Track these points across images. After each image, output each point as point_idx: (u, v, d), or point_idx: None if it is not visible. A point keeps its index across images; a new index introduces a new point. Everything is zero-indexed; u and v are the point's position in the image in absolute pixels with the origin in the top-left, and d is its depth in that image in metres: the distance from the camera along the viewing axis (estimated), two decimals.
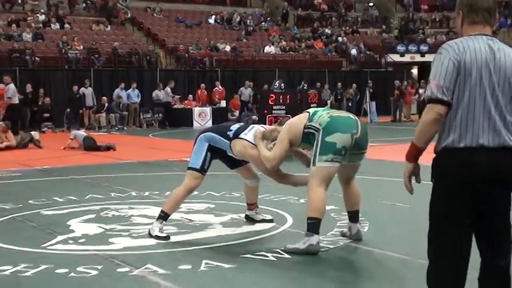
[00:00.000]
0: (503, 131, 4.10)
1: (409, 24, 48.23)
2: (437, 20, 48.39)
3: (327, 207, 8.87)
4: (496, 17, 4.34)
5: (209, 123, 31.95)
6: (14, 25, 33.74)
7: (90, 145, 20.17)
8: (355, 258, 7.36)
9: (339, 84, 35.92)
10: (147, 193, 11.71)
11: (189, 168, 8.50)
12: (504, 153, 4.12)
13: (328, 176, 7.43)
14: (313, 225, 7.31)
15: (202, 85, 33.29)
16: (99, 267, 6.92)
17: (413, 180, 4.31)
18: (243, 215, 9.27)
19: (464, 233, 4.21)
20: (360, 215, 7.89)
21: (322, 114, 7.53)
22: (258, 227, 8.81)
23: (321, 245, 7.37)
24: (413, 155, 4.23)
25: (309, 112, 7.74)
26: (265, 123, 17.76)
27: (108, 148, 20.12)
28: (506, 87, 4.14)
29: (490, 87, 4.09)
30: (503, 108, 4.13)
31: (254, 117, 28.07)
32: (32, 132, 22.27)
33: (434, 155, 4.27)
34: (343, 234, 8.02)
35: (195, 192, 11.47)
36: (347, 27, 46.20)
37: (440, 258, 4.22)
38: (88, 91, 30.33)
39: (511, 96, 4.16)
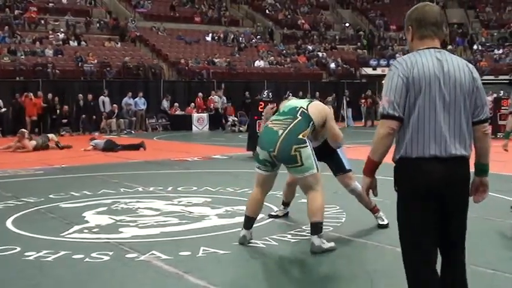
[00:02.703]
0: (453, 141, 3.85)
1: (375, 38, 48.37)
2: (404, 38, 48.31)
3: None
4: (443, 30, 4.13)
5: (206, 128, 32.03)
6: (37, 42, 33.66)
7: (108, 146, 20.22)
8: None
9: (317, 93, 35.70)
10: (152, 188, 11.68)
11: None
12: (455, 162, 3.88)
13: (257, 180, 7.28)
14: (244, 221, 7.32)
15: (200, 94, 33.31)
16: (110, 253, 6.93)
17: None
18: (236, 208, 9.26)
19: (432, 234, 3.98)
20: (318, 228, 6.91)
21: (271, 120, 7.36)
22: None
23: (248, 239, 7.24)
24: (370, 169, 3.99)
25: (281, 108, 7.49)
26: (255, 128, 17.81)
27: (139, 147, 20.29)
28: (458, 96, 3.88)
29: (441, 99, 3.84)
30: (456, 117, 3.88)
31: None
32: (49, 135, 22.17)
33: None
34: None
35: (194, 188, 11.52)
36: (326, 44, 46.19)
37: (416, 259, 3.96)
38: (107, 99, 30.42)
39: (464, 104, 3.90)
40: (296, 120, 7.03)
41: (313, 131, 7.22)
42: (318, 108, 7.31)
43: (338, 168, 8.08)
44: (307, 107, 7.22)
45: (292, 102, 7.55)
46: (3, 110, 27.78)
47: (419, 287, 3.95)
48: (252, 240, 7.37)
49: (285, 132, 6.93)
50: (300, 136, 6.93)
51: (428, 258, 3.94)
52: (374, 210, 8.11)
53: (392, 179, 4.08)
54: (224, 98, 33.72)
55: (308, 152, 6.94)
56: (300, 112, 7.13)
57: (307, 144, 6.98)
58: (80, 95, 29.80)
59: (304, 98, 7.80)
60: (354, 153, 16.76)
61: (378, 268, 6.27)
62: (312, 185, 7.00)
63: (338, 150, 8.05)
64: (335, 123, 7.54)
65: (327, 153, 7.97)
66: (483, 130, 4.04)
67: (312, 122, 7.11)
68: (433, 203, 3.89)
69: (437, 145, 3.82)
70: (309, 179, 6.99)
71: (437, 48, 3.99)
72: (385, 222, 7.93)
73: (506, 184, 11.87)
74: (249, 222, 7.28)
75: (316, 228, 6.93)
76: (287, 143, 6.87)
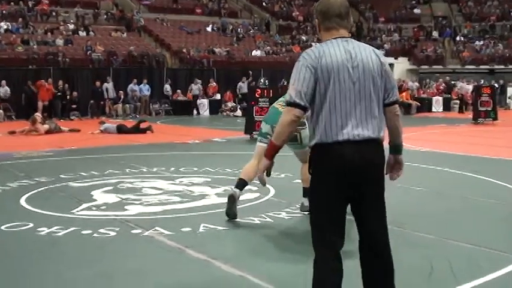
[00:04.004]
0: (365, 125, 3.77)
1: (364, 30, 48.31)
2: (392, 29, 48.31)
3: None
4: (349, 20, 3.97)
5: (206, 113, 32.01)
6: (49, 33, 33.54)
7: (123, 130, 20.40)
8: None
9: None
10: (155, 169, 11.69)
11: None
12: (369, 145, 3.78)
13: (257, 152, 7.56)
14: (237, 183, 7.54)
15: (199, 81, 33.19)
16: (117, 229, 6.94)
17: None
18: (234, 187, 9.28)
19: (341, 214, 3.86)
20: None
21: (278, 102, 7.74)
22: (247, 196, 8.82)
23: (237, 197, 7.41)
24: (272, 153, 3.93)
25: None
26: (252, 113, 17.80)
27: (146, 130, 20.47)
28: (367, 82, 3.79)
29: (350, 87, 3.75)
30: (366, 102, 3.79)
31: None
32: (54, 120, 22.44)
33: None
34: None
35: (195, 168, 11.53)
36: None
37: (322, 241, 3.86)
38: (110, 85, 30.29)
39: (373, 89, 3.81)
40: None
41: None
42: None
43: None
44: None
45: None
46: None
47: (319, 266, 3.87)
48: (249, 217, 7.41)
49: None
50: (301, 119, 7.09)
51: (331, 240, 3.85)
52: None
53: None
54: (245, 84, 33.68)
55: (306, 132, 7.02)
56: None
57: (306, 125, 7.06)
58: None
59: None
60: None
61: None
62: (306, 157, 7.30)
63: None
64: None
65: None
66: (394, 111, 3.93)
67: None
68: (345, 185, 3.78)
69: (349, 130, 3.74)
70: (306, 153, 7.20)
71: (345, 37, 3.91)
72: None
73: (482, 166, 11.93)
74: (240, 184, 7.51)
75: (307, 192, 7.44)
76: None
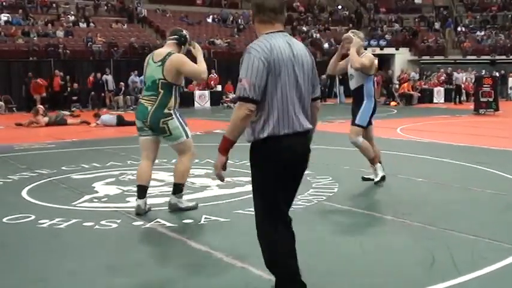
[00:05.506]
0: (305, 117, 3.96)
1: (364, 19, 48.21)
2: (393, 20, 48.21)
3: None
4: (284, 14, 4.03)
5: (207, 104, 32.00)
6: (49, 24, 33.62)
7: (121, 122, 20.37)
8: (325, 213, 7.36)
9: None
10: (156, 161, 11.61)
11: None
12: (306, 135, 4.02)
13: (142, 147, 7.47)
14: (137, 191, 7.33)
15: None
16: (118, 221, 6.96)
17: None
18: (236, 179, 9.27)
19: (287, 203, 4.21)
20: (178, 188, 7.45)
21: (142, 96, 7.48)
22: (248, 188, 8.81)
23: (143, 208, 7.22)
24: (227, 148, 3.97)
25: None
26: None
27: None
28: (305, 77, 3.96)
29: (295, 80, 3.89)
30: (306, 96, 3.97)
31: None
32: (62, 112, 22.30)
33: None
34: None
35: (196, 160, 11.51)
36: (320, 26, 46.04)
37: (276, 228, 4.17)
38: (109, 77, 30.30)
39: (308, 84, 4.00)
40: (160, 96, 7.17)
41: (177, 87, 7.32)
42: (170, 69, 7.15)
43: (352, 119, 8.68)
44: (163, 74, 7.15)
45: (151, 69, 7.34)
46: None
47: (274, 244, 4.20)
48: (250, 209, 7.41)
49: (153, 108, 7.16)
50: (166, 110, 7.17)
51: (287, 222, 4.27)
52: (373, 161, 8.52)
53: None
54: None
55: (175, 123, 7.24)
56: (160, 85, 7.18)
57: (173, 116, 7.22)
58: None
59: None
60: (344, 128, 16.79)
61: (366, 233, 6.30)
62: (182, 151, 7.47)
63: (362, 105, 8.58)
64: (190, 64, 7.27)
65: (356, 104, 8.69)
66: (317, 106, 4.19)
67: (173, 87, 7.22)
68: (290, 174, 4.00)
69: (297, 122, 3.90)
70: (180, 146, 7.42)
71: (282, 32, 3.98)
72: (378, 178, 8.30)
73: (484, 157, 11.92)
74: (141, 192, 7.31)
75: (176, 188, 7.44)
76: (155, 118, 7.13)
